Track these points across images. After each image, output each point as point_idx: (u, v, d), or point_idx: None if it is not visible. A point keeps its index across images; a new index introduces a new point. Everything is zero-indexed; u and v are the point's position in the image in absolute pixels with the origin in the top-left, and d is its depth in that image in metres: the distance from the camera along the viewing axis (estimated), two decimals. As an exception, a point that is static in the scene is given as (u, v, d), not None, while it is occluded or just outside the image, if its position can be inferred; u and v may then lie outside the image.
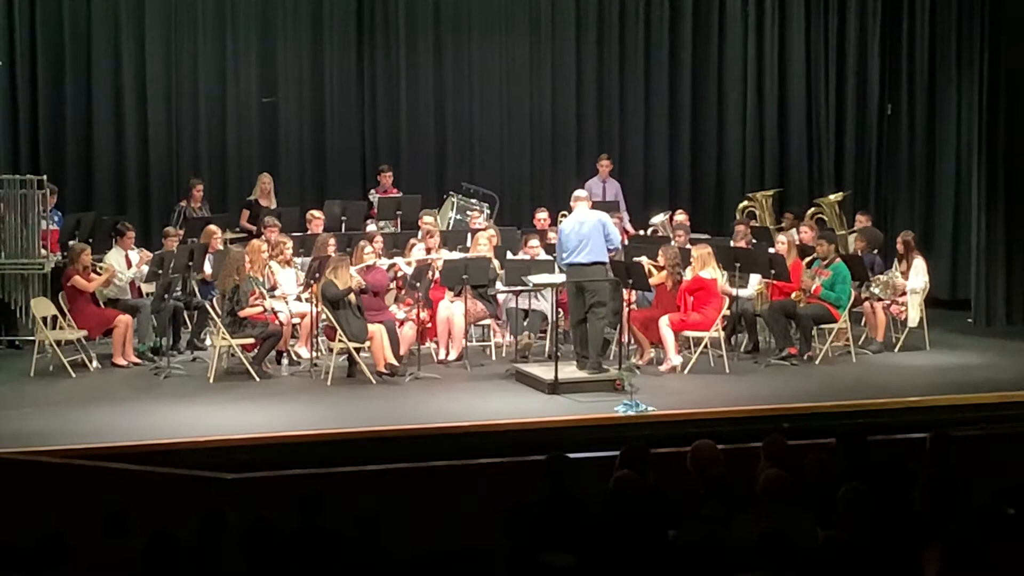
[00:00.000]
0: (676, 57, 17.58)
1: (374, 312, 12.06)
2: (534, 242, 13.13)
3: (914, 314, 13.31)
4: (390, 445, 9.74)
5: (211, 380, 11.70)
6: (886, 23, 17.09)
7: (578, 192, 12.20)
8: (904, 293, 13.36)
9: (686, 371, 12.20)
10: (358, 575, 5.89)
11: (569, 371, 11.53)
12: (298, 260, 13.04)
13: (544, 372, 11.51)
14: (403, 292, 12.85)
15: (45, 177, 13.30)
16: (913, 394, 11.32)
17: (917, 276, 13.43)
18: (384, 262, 12.64)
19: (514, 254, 13.35)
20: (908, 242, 13.70)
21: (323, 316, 12.00)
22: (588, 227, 11.61)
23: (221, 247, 13.38)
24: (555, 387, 11.20)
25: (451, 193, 15.79)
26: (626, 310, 12.30)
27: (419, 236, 13.42)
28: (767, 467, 6.99)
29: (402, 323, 12.35)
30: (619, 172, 16.97)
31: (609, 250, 11.78)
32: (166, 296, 12.43)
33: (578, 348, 11.78)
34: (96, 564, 6.15)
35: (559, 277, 11.97)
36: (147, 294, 13.15)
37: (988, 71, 14.61)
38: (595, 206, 15.27)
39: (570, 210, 12.20)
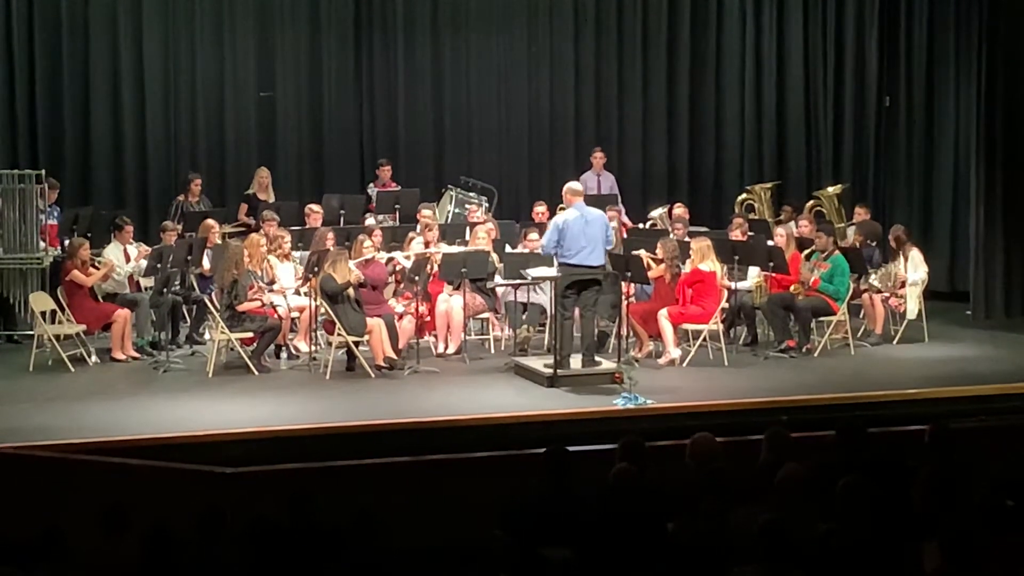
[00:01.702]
0: (674, 50, 17.56)
1: (373, 306, 12.06)
2: (533, 235, 13.11)
3: (912, 306, 13.31)
4: (389, 439, 9.74)
5: (210, 374, 11.70)
6: (884, 14, 17.07)
7: (576, 185, 11.98)
8: (903, 285, 13.36)
9: (685, 364, 12.21)
10: (356, 570, 5.89)
11: (568, 364, 11.51)
12: (296, 254, 13.03)
13: (543, 365, 11.51)
14: (402, 286, 12.85)
15: (44, 172, 13.29)
16: (912, 386, 11.33)
17: (916, 268, 13.42)
18: (383, 256, 12.64)
19: (513, 247, 13.34)
20: (900, 236, 13.69)
21: (322, 310, 12.00)
22: (595, 228, 11.48)
23: (219, 241, 13.37)
24: (554, 380, 11.20)
25: (449, 187, 15.78)
26: (625, 303, 12.30)
27: (418, 230, 13.41)
28: (768, 458, 7.00)
29: (401, 317, 12.34)
30: (617, 165, 16.96)
31: (608, 250, 11.75)
32: (165, 290, 12.42)
33: (565, 345, 11.58)
34: (94, 558, 6.15)
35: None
36: (146, 288, 13.14)
37: (986, 63, 14.58)
38: (592, 199, 15.36)
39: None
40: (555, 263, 11.61)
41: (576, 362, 11.45)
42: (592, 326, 11.65)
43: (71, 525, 6.29)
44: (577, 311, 11.53)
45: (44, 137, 15.46)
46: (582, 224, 11.44)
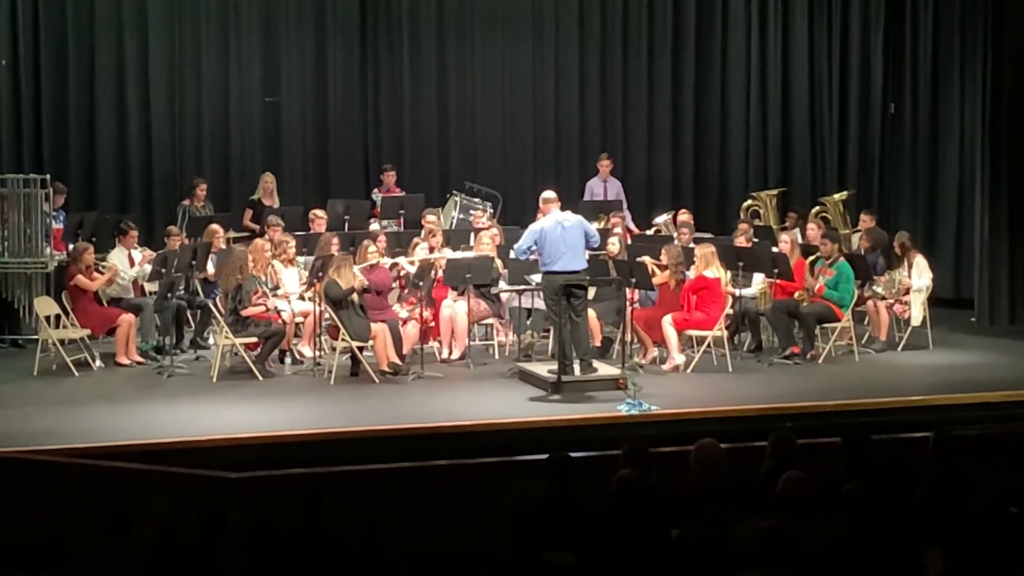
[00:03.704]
0: (679, 56, 17.58)
1: (377, 311, 12.06)
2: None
3: (917, 313, 13.30)
4: (393, 444, 9.73)
5: (214, 379, 11.70)
6: (889, 21, 17.06)
7: (549, 194, 12.03)
8: (908, 292, 13.34)
9: (689, 370, 12.20)
10: (360, 574, 5.89)
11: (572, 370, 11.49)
12: (301, 259, 13.04)
13: (547, 371, 11.50)
14: (406, 291, 12.85)
15: (48, 176, 13.30)
16: (916, 393, 11.31)
17: (920, 275, 13.41)
18: (387, 261, 12.65)
19: (517, 253, 13.33)
20: (904, 243, 13.66)
21: (326, 315, 12.01)
22: (573, 234, 11.47)
23: (224, 246, 13.39)
24: (558, 386, 11.19)
25: (454, 192, 15.80)
26: (629, 309, 12.30)
27: (422, 235, 13.42)
28: (772, 464, 7.00)
29: (405, 322, 12.35)
30: (622, 171, 16.96)
31: (593, 248, 11.74)
32: (169, 295, 12.43)
33: (567, 352, 11.49)
34: (98, 563, 6.16)
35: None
36: (150, 293, 13.16)
37: (991, 69, 14.59)
38: (598, 205, 15.39)
39: (573, 211, 12.16)
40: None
41: (577, 369, 11.44)
42: (585, 332, 11.61)
43: (75, 529, 6.30)
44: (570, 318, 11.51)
45: (49, 142, 15.51)
46: (560, 231, 11.44)
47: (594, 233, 11.84)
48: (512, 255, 12.33)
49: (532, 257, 11.98)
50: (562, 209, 11.83)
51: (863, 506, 5.92)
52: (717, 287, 12.33)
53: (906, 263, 13.50)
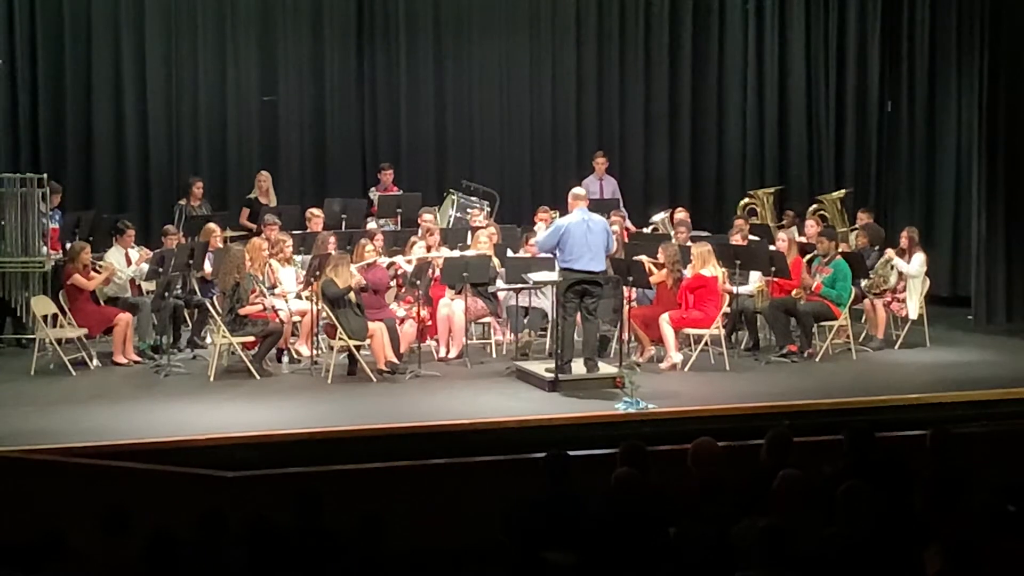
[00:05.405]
0: (676, 54, 17.59)
1: (374, 310, 12.05)
2: (535, 240, 13.09)
3: (913, 306, 13.29)
4: (390, 443, 9.73)
5: (211, 378, 11.69)
6: (886, 19, 17.07)
7: (579, 191, 11.93)
8: (893, 290, 13.33)
9: (686, 368, 12.20)
10: (358, 574, 5.89)
11: (570, 369, 11.49)
12: (298, 258, 13.04)
13: (544, 370, 11.50)
14: (403, 290, 12.84)
15: (46, 176, 13.29)
16: (913, 391, 11.32)
17: (915, 266, 13.34)
18: (384, 260, 12.64)
19: (514, 252, 13.33)
20: (912, 238, 13.62)
21: (323, 314, 12.00)
22: (597, 236, 11.37)
23: (221, 245, 13.37)
24: (555, 385, 11.19)
25: (451, 191, 15.79)
26: (627, 308, 12.30)
27: (419, 234, 13.41)
28: (769, 462, 7.00)
29: (402, 321, 12.34)
30: (619, 170, 16.97)
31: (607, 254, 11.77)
32: (166, 294, 12.42)
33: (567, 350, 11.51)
34: (96, 562, 6.15)
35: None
36: (147, 292, 13.14)
37: (988, 66, 14.58)
38: (593, 204, 15.35)
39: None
40: (556, 267, 11.59)
41: (579, 367, 11.43)
42: (594, 331, 11.63)
43: (72, 528, 6.29)
44: (579, 316, 11.53)
45: (46, 141, 15.50)
46: (584, 230, 11.35)
47: (612, 241, 11.77)
48: (536, 248, 12.22)
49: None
50: (558, 208, 11.82)
51: (861, 504, 5.92)
52: (714, 285, 12.33)
53: (908, 257, 13.45)
